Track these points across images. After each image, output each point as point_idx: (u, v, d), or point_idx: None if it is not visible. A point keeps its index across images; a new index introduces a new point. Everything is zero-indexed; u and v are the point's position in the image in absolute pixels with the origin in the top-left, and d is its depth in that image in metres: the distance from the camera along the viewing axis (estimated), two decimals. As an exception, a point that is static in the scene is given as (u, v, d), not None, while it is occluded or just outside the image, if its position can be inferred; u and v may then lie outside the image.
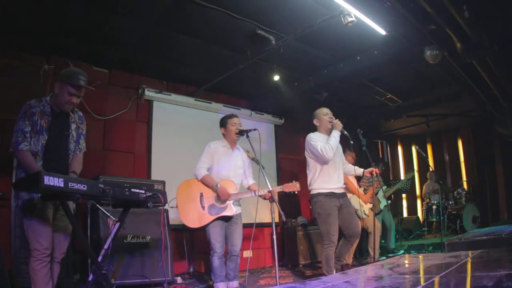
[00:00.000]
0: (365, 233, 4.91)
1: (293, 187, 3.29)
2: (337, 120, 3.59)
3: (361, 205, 4.72)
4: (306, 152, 3.65)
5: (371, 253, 4.69)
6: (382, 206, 5.27)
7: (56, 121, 2.52)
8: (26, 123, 2.39)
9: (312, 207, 3.68)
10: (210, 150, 3.38)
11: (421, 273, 2.39)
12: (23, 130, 2.38)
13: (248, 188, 3.48)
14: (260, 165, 3.12)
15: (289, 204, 6.26)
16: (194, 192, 3.26)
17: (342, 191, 3.64)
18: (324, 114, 3.66)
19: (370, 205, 4.80)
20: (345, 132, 3.59)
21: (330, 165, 3.54)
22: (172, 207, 3.32)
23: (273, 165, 6.17)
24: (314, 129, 3.75)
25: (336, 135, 3.51)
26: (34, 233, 2.34)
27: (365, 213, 4.73)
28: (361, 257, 5.49)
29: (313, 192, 3.58)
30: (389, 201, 5.72)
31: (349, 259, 4.44)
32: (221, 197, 3.22)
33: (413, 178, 8.34)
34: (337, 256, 3.63)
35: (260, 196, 3.23)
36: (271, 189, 3.06)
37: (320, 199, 3.51)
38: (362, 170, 3.89)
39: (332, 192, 3.52)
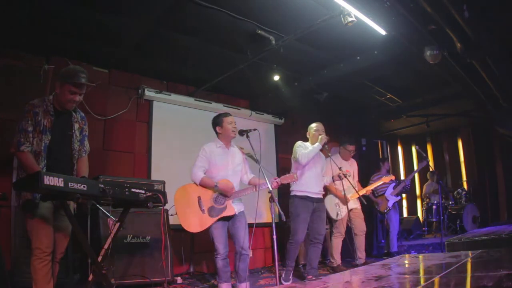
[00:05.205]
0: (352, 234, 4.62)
1: (291, 178, 3.38)
2: (323, 135, 3.91)
3: (338, 205, 4.57)
4: (292, 156, 4.03)
5: (359, 254, 4.56)
6: (390, 204, 5.11)
7: (59, 120, 2.51)
8: (29, 123, 2.38)
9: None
10: (205, 153, 3.33)
11: (421, 273, 2.40)
12: (26, 130, 2.37)
13: (249, 183, 3.49)
14: (258, 162, 3.15)
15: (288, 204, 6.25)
16: (191, 196, 3.23)
17: (318, 196, 3.97)
18: (315, 130, 4.11)
19: (355, 205, 4.63)
20: (326, 146, 3.91)
21: (310, 171, 3.92)
22: (171, 215, 3.31)
23: (273, 165, 6.16)
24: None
25: (317, 146, 3.86)
26: (36, 232, 2.34)
27: (339, 214, 4.54)
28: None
29: (291, 193, 3.98)
30: (399, 197, 5.41)
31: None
32: (226, 193, 3.21)
33: (413, 178, 8.35)
34: (309, 262, 3.98)
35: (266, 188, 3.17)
36: (270, 188, 3.08)
37: (295, 200, 3.89)
38: (331, 177, 4.16)
39: (307, 196, 3.87)
